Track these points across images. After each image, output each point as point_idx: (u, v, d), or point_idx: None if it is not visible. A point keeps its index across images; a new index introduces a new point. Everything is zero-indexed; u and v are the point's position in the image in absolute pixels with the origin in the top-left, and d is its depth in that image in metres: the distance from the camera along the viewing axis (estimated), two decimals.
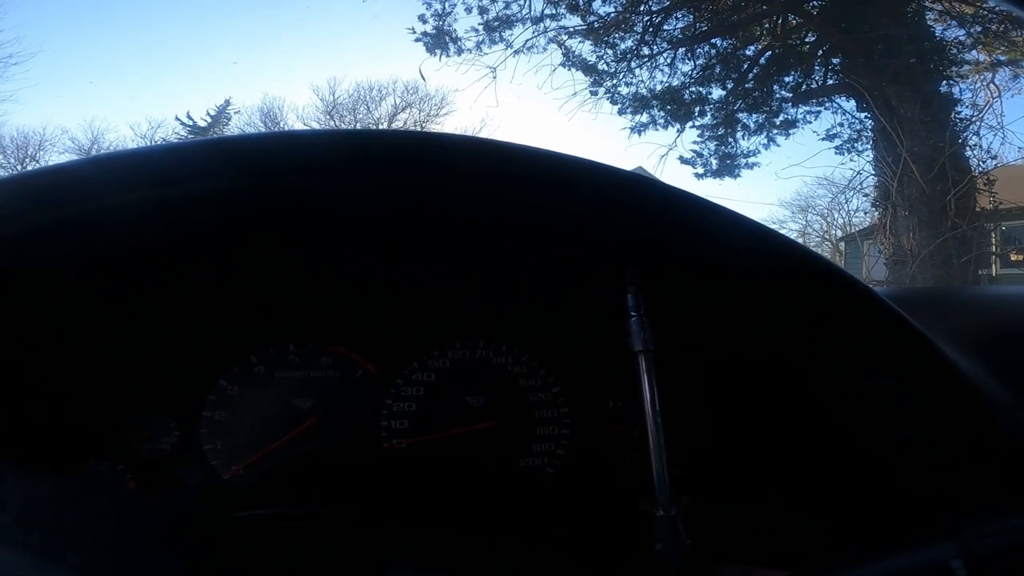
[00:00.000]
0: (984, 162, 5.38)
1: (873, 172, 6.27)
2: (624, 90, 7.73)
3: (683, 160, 8.00)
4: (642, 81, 7.65)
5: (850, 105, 7.16)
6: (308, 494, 0.53)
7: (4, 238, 0.30)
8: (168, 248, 0.39)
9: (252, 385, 0.55)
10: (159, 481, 0.52)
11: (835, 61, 6.98)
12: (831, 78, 7.21)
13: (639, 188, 0.35)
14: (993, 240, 5.86)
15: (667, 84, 7.57)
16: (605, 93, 7.68)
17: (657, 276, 0.41)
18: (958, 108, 5.65)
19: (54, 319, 0.44)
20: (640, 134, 7.82)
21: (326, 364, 0.56)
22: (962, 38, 5.94)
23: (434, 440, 0.55)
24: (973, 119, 5.54)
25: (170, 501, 0.53)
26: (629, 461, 0.57)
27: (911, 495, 0.44)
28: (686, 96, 7.60)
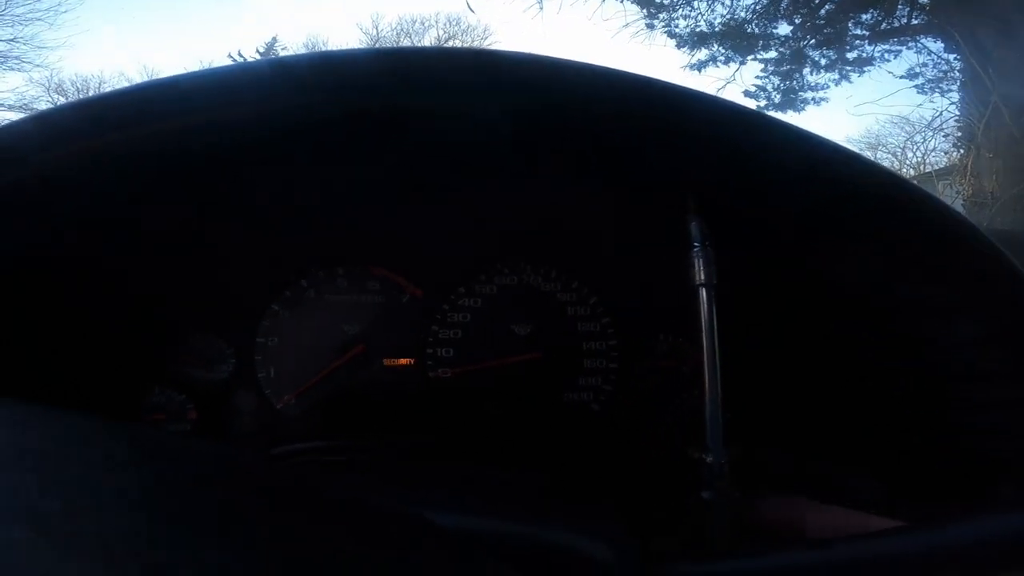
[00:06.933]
0: None
1: (957, 113, 5.84)
2: (682, 23, 7.32)
3: (747, 94, 7.64)
4: (700, 14, 7.21)
5: (937, 46, 6.63)
6: (354, 425, 0.54)
7: (67, 162, 0.30)
8: (225, 173, 0.39)
9: (303, 309, 0.55)
10: (218, 410, 0.54)
11: (923, 0, 6.39)
12: (916, 17, 6.63)
13: (705, 104, 0.31)
14: None
15: (728, 17, 7.11)
16: (662, 26, 7.30)
17: (722, 204, 0.38)
18: None
19: (116, 250, 0.44)
20: (700, 71, 7.46)
21: (374, 288, 0.55)
22: None
23: (479, 370, 0.55)
24: None
25: (226, 432, 0.55)
26: (678, 400, 0.55)
27: (986, 458, 0.40)
28: (749, 29, 7.15)
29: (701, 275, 0.35)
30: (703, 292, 0.34)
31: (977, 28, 5.19)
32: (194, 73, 0.30)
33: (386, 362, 0.55)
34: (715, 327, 0.34)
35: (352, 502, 0.21)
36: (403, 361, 0.55)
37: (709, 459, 0.32)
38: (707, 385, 0.33)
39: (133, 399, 0.53)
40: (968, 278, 0.35)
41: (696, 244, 0.35)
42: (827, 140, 0.32)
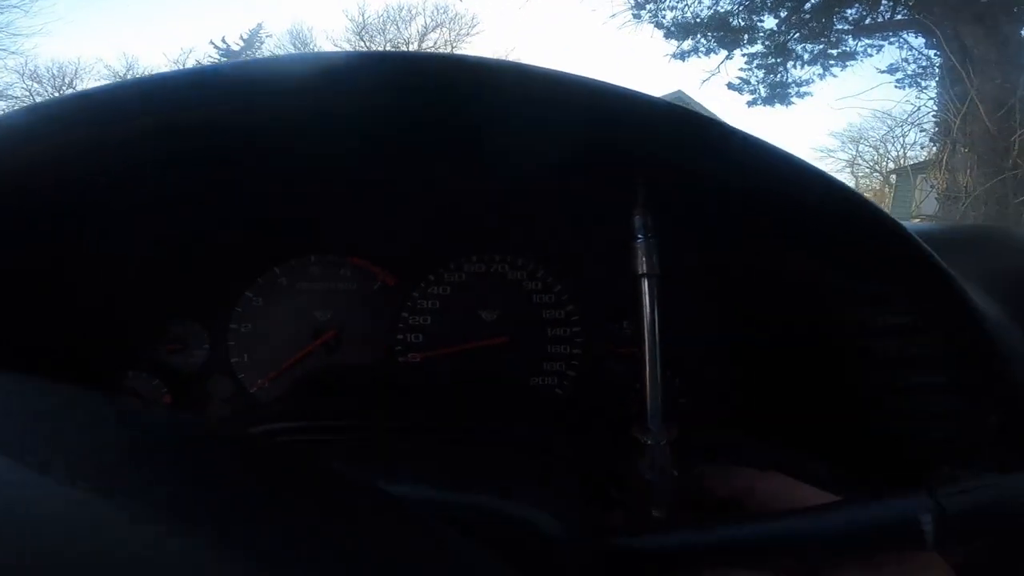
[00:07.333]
0: None
1: (935, 108, 5.96)
2: (668, 14, 7.37)
3: (731, 86, 7.75)
4: (687, 5, 7.26)
5: (918, 42, 6.76)
6: (327, 408, 0.55)
7: (39, 158, 0.31)
8: (198, 165, 0.40)
9: (276, 296, 0.56)
10: (192, 395, 0.55)
11: None
12: (900, 13, 6.73)
13: (651, 109, 0.33)
14: None
15: (714, 9, 7.17)
16: (648, 16, 7.34)
17: (671, 198, 0.40)
18: None
19: (91, 236, 0.45)
20: (683, 60, 7.53)
21: (346, 276, 0.57)
22: None
23: (447, 355, 0.56)
24: None
25: (200, 414, 0.56)
26: (638, 385, 0.57)
27: (909, 444, 0.43)
28: (734, 23, 7.21)
29: (643, 265, 0.36)
30: (644, 282, 0.36)
31: (958, 24, 5.28)
32: (183, 71, 0.32)
33: (357, 347, 0.57)
34: (656, 315, 0.36)
35: (316, 472, 0.22)
36: (374, 346, 0.57)
37: (649, 440, 0.34)
38: (647, 369, 0.35)
39: (108, 383, 0.54)
40: (894, 271, 0.38)
41: (639, 236, 0.37)
42: (769, 144, 0.34)
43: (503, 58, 0.31)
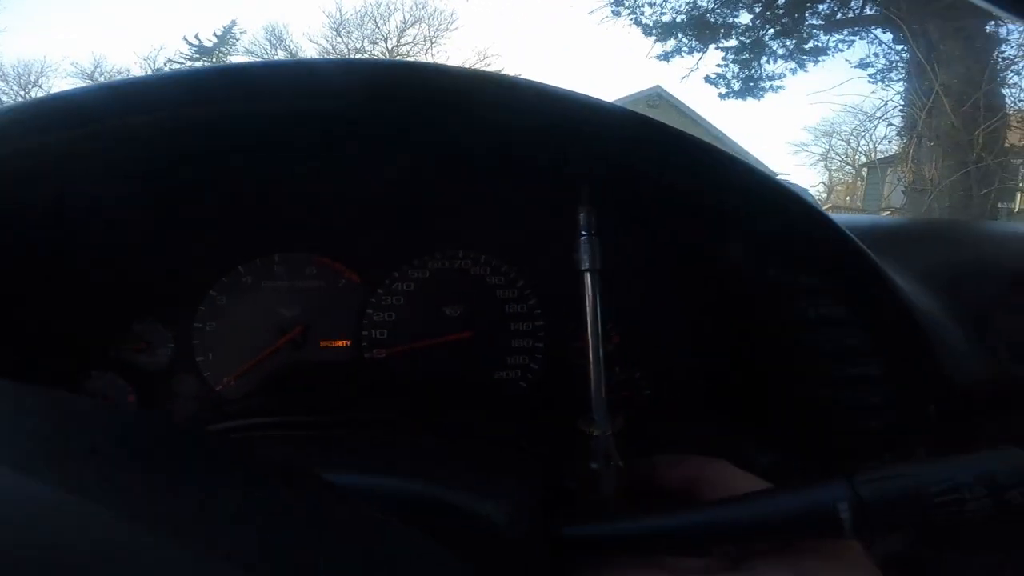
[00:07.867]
0: (1020, 101, 5.24)
1: (902, 102, 6.13)
2: (647, 11, 7.48)
3: (708, 80, 7.92)
4: (666, 1, 7.36)
5: (887, 37, 6.94)
6: (293, 404, 0.56)
7: (8, 157, 0.32)
8: (164, 167, 0.40)
9: (241, 295, 0.57)
10: (158, 394, 0.55)
11: None
12: (870, 8, 6.89)
13: (592, 111, 0.34)
14: (1021, 175, 5.75)
15: (692, 3, 7.28)
16: (627, 13, 7.43)
17: (620, 197, 0.41)
18: (1002, 48, 5.45)
19: (58, 237, 0.45)
20: (668, 61, 7.69)
21: (311, 274, 0.57)
22: None
23: (412, 350, 0.57)
24: (1016, 59, 5.37)
25: (167, 413, 0.56)
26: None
27: (852, 434, 0.44)
28: (711, 18, 7.33)
29: (586, 261, 0.37)
30: (587, 277, 0.37)
31: (925, 20, 5.41)
32: (155, 75, 0.32)
33: (323, 344, 0.57)
34: (599, 308, 0.37)
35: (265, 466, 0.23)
36: (339, 343, 0.58)
37: (595, 432, 0.35)
38: (591, 363, 0.36)
39: (72, 384, 0.54)
40: (827, 265, 0.40)
41: (584, 233, 0.38)
42: (708, 144, 0.36)
43: (455, 64, 0.33)
